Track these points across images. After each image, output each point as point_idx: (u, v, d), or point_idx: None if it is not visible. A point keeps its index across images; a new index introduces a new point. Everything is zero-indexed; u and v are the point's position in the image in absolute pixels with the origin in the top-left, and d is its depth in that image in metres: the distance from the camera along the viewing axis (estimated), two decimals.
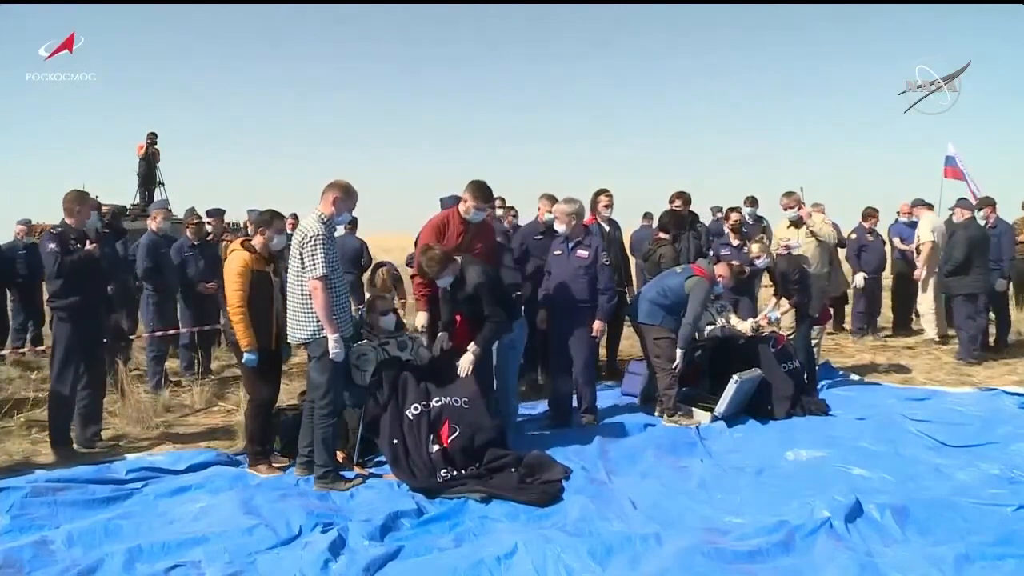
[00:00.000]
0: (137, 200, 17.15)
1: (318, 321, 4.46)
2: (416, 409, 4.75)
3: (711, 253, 7.53)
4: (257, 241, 5.01)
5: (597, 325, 6.00)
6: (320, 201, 4.58)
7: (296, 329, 4.58)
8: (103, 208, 8.23)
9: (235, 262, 4.91)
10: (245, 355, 4.85)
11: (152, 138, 17.00)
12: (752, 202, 9.95)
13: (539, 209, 6.98)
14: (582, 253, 6.00)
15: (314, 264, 4.38)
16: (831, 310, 7.11)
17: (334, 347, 4.45)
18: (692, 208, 7.86)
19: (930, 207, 10.20)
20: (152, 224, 7.82)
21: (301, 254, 4.43)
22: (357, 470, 4.90)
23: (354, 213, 4.98)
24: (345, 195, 4.59)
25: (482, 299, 5.03)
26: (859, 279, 9.90)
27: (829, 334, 9.89)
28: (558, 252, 6.15)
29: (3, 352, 8.13)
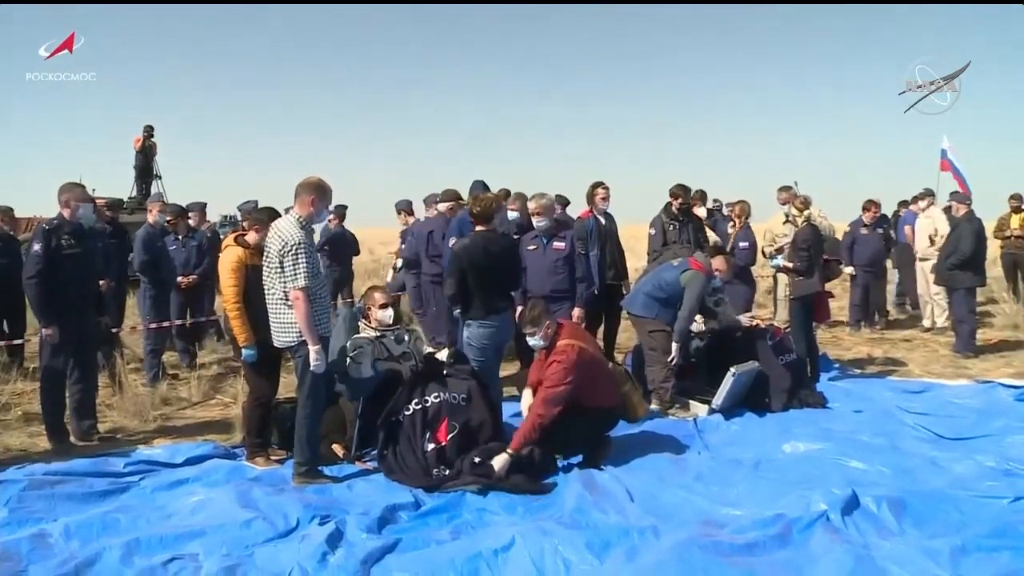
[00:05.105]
0: (134, 193, 17.11)
1: None
2: (408, 410, 4.68)
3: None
4: (252, 237, 4.98)
5: (577, 313, 6.08)
6: (295, 202, 4.43)
7: (280, 334, 4.49)
8: (98, 201, 8.22)
9: (229, 258, 4.90)
10: (243, 351, 4.84)
11: (149, 131, 16.90)
12: (703, 196, 9.84)
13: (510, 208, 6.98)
14: (559, 245, 6.14)
15: (295, 275, 4.26)
16: (829, 308, 7.11)
17: (315, 359, 4.36)
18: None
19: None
20: (148, 217, 7.86)
21: (281, 262, 4.29)
22: (358, 464, 4.91)
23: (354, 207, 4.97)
24: (321, 193, 4.45)
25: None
26: (849, 271, 9.90)
27: (831, 326, 9.94)
28: (533, 247, 6.24)
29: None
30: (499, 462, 4.42)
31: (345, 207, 10.55)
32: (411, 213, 9.23)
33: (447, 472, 4.50)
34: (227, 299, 4.85)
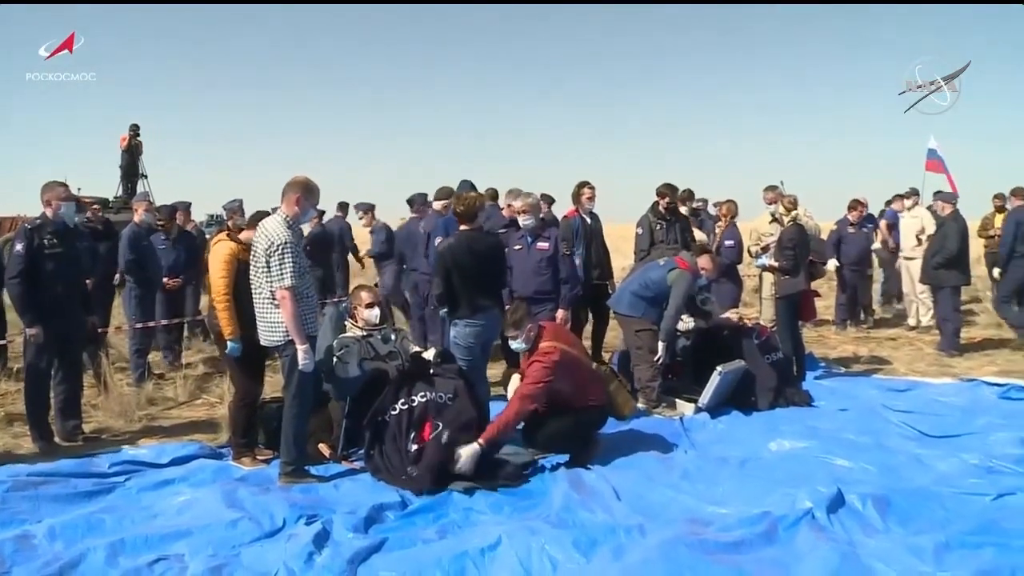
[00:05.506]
0: (120, 192, 17.02)
1: None
2: (395, 410, 4.65)
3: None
4: (245, 235, 4.96)
5: (561, 314, 6.10)
6: (282, 202, 4.43)
7: (267, 332, 4.48)
8: (85, 201, 8.18)
9: (221, 251, 4.89)
10: (228, 344, 4.82)
11: (135, 130, 16.82)
12: (690, 195, 9.91)
13: (508, 206, 6.99)
14: (543, 245, 6.17)
15: (282, 274, 4.26)
16: (815, 306, 7.16)
17: (303, 358, 4.37)
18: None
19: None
20: (134, 216, 7.83)
21: (268, 262, 4.29)
22: (344, 463, 4.89)
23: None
24: (307, 192, 4.44)
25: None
26: (831, 265, 9.92)
27: (817, 325, 9.99)
28: (518, 247, 6.26)
29: None
30: (468, 450, 4.43)
31: (346, 204, 10.56)
32: (373, 215, 9.48)
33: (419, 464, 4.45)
34: (216, 291, 4.84)
